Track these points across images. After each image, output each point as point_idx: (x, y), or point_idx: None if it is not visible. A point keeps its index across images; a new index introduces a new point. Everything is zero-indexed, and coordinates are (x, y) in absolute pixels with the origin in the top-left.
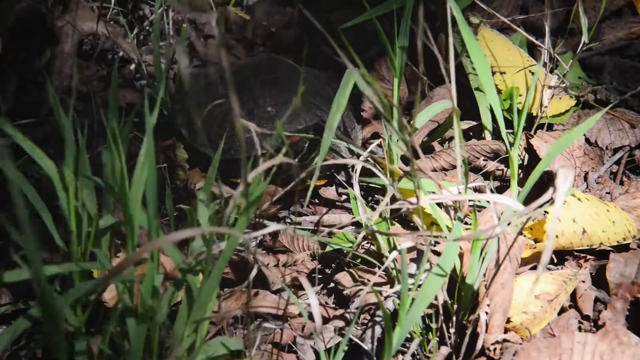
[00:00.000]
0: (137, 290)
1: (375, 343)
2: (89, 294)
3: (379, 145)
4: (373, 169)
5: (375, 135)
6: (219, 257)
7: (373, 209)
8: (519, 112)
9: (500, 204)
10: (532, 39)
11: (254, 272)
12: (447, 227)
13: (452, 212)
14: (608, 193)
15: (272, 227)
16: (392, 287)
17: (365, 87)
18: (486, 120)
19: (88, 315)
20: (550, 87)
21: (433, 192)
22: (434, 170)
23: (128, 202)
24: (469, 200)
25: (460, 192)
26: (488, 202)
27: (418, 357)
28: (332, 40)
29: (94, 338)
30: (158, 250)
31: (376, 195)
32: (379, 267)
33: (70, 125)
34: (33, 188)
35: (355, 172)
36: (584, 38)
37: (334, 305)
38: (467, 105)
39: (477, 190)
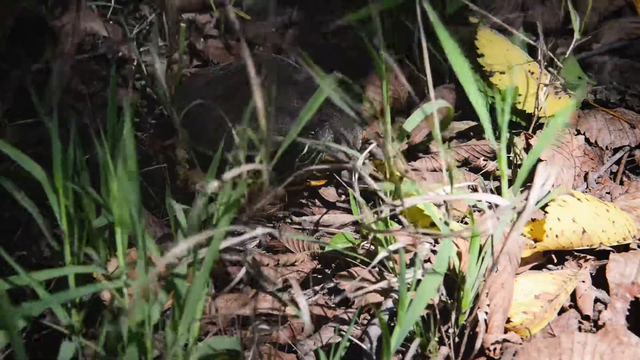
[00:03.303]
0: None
1: (375, 343)
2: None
3: (379, 146)
4: (364, 174)
5: (376, 136)
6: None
7: (373, 208)
8: (503, 111)
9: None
10: (531, 39)
11: (242, 272)
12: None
13: (443, 212)
14: (608, 193)
15: (257, 231)
16: (391, 287)
17: (340, 101)
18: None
19: (86, 314)
20: (548, 87)
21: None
22: (434, 170)
23: (113, 203)
24: (466, 200)
25: (447, 193)
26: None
27: (418, 357)
28: (302, 56)
29: (89, 340)
30: (146, 255)
31: (376, 196)
32: (379, 268)
33: (57, 126)
34: (25, 191)
35: (355, 173)
36: (576, 35)
37: (333, 305)
38: (468, 105)
39: (474, 190)
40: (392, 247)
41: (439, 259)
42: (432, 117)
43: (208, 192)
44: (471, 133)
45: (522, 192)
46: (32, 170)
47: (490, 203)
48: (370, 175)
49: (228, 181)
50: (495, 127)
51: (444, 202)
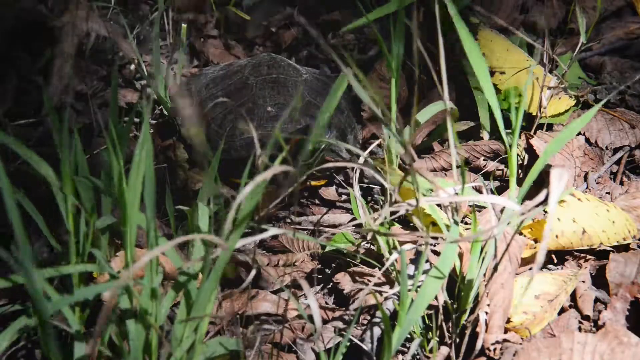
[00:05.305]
0: (137, 291)
1: (375, 343)
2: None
3: (379, 145)
4: (373, 172)
5: (376, 135)
6: (217, 260)
7: (373, 208)
8: (517, 112)
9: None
10: (532, 39)
11: (252, 274)
12: (447, 226)
13: (449, 213)
14: (608, 193)
15: (271, 231)
16: (391, 287)
17: (361, 90)
18: (484, 120)
19: (88, 315)
20: (549, 87)
21: (431, 193)
22: (434, 170)
23: (124, 202)
24: (469, 201)
25: (457, 193)
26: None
27: (418, 357)
28: (326, 45)
29: (92, 340)
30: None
31: (375, 195)
32: (379, 268)
33: (66, 126)
34: (24, 192)
35: (355, 172)
36: (582, 38)
37: (333, 306)
38: (467, 105)
39: (477, 190)
40: (399, 250)
41: (442, 261)
42: (445, 115)
43: (246, 193)
44: (472, 135)
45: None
46: (40, 168)
47: (494, 204)
48: (378, 173)
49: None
50: (496, 127)
51: (451, 202)
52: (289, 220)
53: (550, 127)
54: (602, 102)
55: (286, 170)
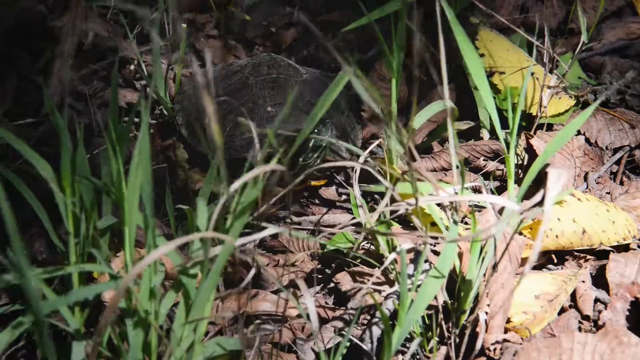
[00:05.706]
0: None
1: (375, 343)
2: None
3: (379, 146)
4: (372, 171)
5: (376, 135)
6: (216, 259)
7: (372, 209)
8: (514, 112)
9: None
10: (532, 39)
11: (252, 273)
12: (446, 227)
13: (449, 213)
14: (608, 193)
15: (270, 230)
16: (391, 287)
17: (360, 87)
18: (484, 120)
19: (87, 315)
20: (549, 87)
21: (431, 194)
22: (434, 170)
23: (124, 202)
24: (469, 201)
25: (457, 193)
26: (487, 203)
27: (418, 357)
28: (328, 43)
29: (93, 339)
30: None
31: (375, 195)
32: (379, 268)
33: (66, 126)
34: (29, 189)
35: (355, 172)
36: (583, 38)
37: (333, 306)
38: (467, 104)
39: (476, 190)
40: (398, 249)
41: (441, 261)
42: (446, 114)
43: (232, 192)
44: (472, 135)
45: (529, 193)
46: (41, 168)
47: (494, 204)
48: (378, 173)
49: (246, 182)
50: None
51: (450, 202)
52: (288, 220)
53: (550, 127)
54: (600, 100)
55: (280, 169)
